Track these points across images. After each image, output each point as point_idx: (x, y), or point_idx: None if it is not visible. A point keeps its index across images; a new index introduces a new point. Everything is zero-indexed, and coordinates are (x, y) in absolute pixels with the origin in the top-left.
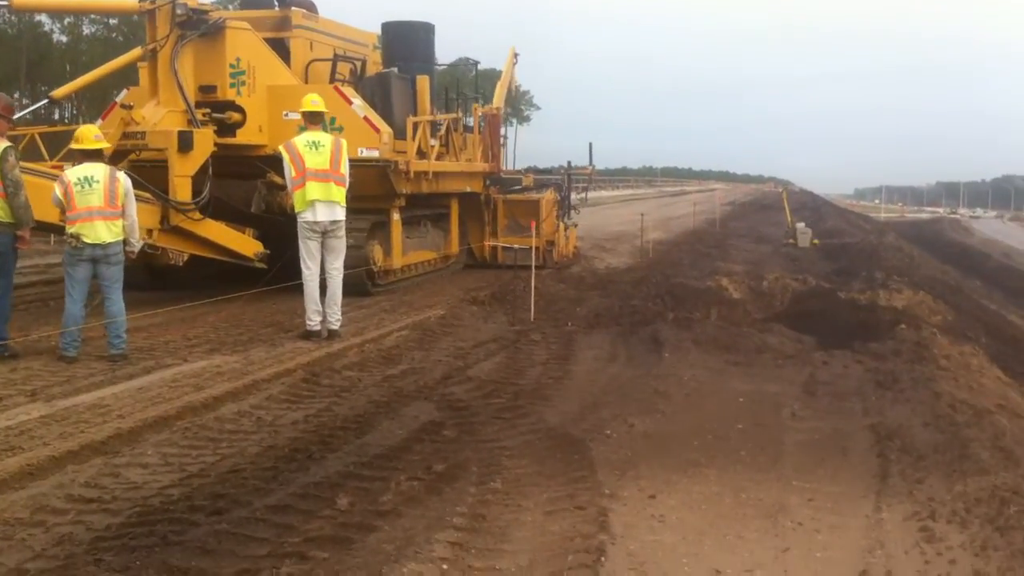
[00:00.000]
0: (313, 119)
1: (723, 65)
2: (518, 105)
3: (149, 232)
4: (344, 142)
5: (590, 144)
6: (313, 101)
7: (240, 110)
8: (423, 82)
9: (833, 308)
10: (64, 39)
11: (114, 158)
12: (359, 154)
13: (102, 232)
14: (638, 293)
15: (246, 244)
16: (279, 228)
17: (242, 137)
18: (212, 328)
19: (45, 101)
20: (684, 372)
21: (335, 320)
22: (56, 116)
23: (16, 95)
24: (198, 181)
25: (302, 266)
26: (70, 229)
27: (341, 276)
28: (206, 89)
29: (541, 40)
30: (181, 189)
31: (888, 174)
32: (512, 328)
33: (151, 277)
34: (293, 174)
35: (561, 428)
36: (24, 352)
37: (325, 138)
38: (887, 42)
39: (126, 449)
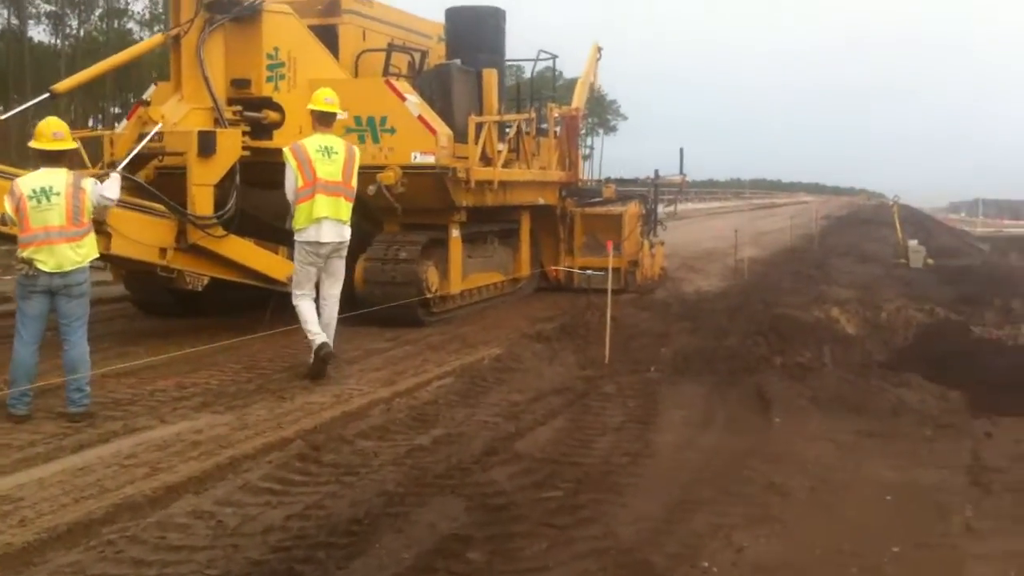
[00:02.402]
0: (324, 120)
1: (810, 76)
2: (604, 115)
3: (163, 251)
4: (357, 151)
5: (681, 150)
6: (326, 99)
7: (278, 108)
8: (490, 76)
9: (973, 350)
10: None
11: (134, 164)
12: (412, 159)
13: (63, 258)
14: (734, 327)
15: (277, 265)
16: None
17: (280, 140)
18: (218, 372)
19: (46, 95)
20: (804, 448)
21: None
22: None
23: (103, 104)
24: (223, 191)
25: (295, 290)
26: (22, 253)
27: (337, 304)
28: (239, 83)
29: (623, 42)
30: (201, 200)
31: (983, 185)
32: (582, 373)
33: (176, 302)
34: (300, 183)
35: (637, 550)
36: None
37: (338, 144)
38: (972, 51)
39: None
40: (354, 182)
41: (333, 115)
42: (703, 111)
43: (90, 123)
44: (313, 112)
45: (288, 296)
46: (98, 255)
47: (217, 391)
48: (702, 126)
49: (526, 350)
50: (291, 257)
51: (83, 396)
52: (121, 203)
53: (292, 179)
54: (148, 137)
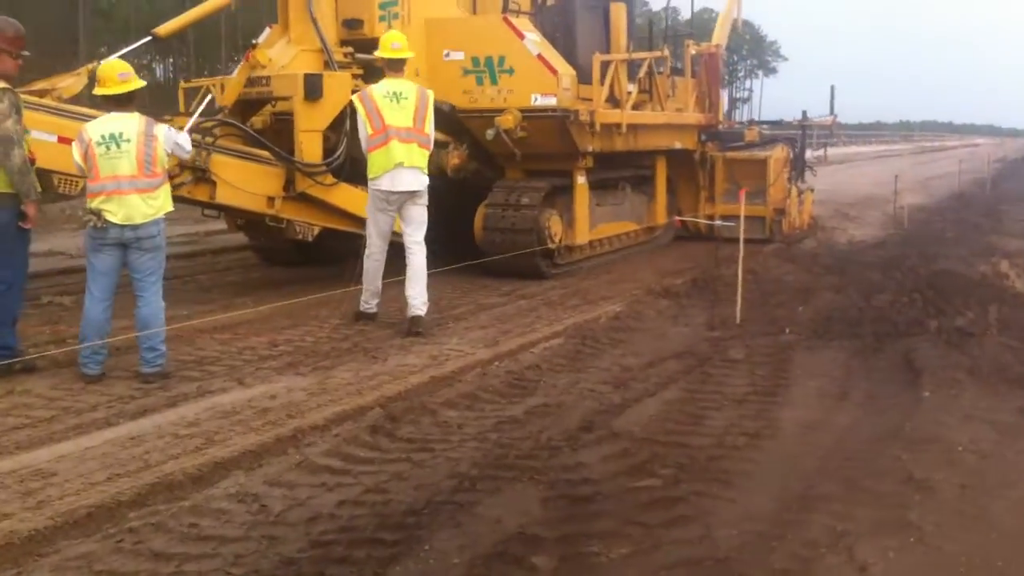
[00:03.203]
0: (393, 66)
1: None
2: (763, 55)
3: (270, 200)
4: (431, 94)
5: (832, 88)
6: (393, 44)
7: None
8: (618, 11)
9: None
10: None
11: (245, 110)
12: (532, 102)
13: (136, 209)
14: (887, 283)
15: None
16: (437, 195)
17: None
18: (316, 328)
19: (148, 38)
20: (956, 431)
21: (419, 304)
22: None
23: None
24: (335, 137)
25: (368, 242)
26: (90, 204)
27: (423, 252)
28: (351, 24)
29: None
30: (309, 147)
31: None
32: (709, 335)
33: (297, 250)
34: (369, 132)
35: (737, 562)
36: (55, 364)
37: (408, 88)
38: None
39: (9, 571)
40: (428, 128)
41: (402, 61)
42: (872, 54)
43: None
44: (382, 60)
45: (399, 247)
46: (172, 208)
47: (309, 349)
48: (871, 69)
49: (650, 307)
50: None
51: (157, 356)
52: (226, 150)
53: (362, 128)
54: (242, 70)
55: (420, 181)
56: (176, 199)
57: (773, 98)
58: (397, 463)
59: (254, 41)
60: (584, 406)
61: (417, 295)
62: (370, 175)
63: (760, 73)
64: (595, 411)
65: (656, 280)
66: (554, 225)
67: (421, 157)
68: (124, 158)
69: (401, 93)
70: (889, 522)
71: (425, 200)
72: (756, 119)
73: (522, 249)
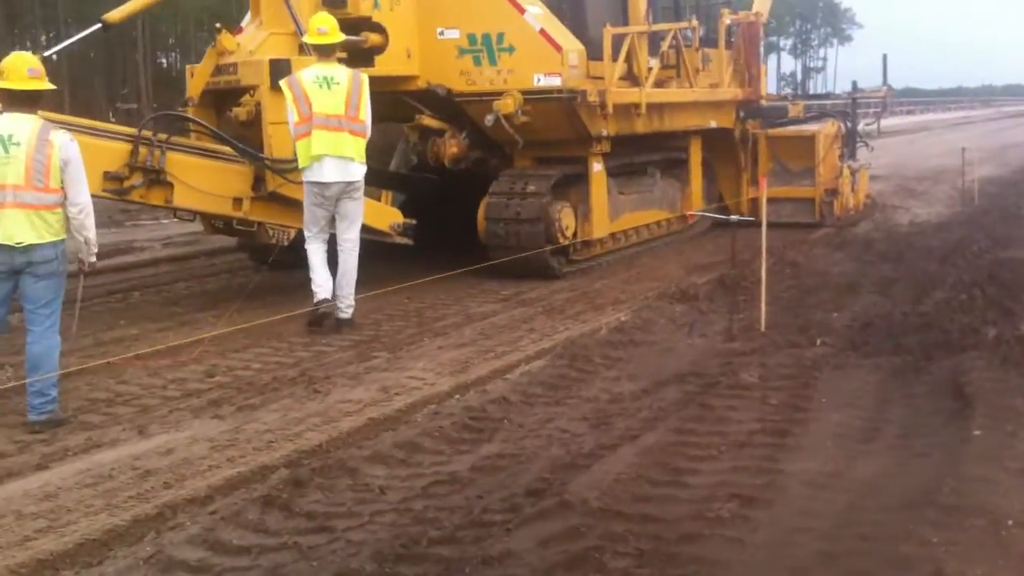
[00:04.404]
0: (322, 52)
1: None
2: (838, 23)
3: (237, 202)
4: (365, 78)
5: (884, 56)
6: (319, 29)
7: (380, 29)
8: None
9: None
10: None
11: (218, 101)
12: (535, 83)
13: (18, 227)
14: (944, 276)
15: (378, 214)
16: (438, 190)
17: (383, 67)
18: (270, 352)
19: (98, 26)
20: (1007, 495)
21: (346, 307)
22: None
23: None
24: None
25: (305, 232)
26: None
27: (357, 250)
28: (332, 3)
29: None
30: (279, 141)
31: None
32: (725, 347)
33: (292, 251)
34: (296, 119)
35: None
36: None
37: (341, 73)
38: None
39: None
40: (363, 115)
41: (331, 46)
42: (951, 20)
43: None
44: (308, 46)
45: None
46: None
47: (247, 381)
48: (951, 34)
49: (661, 315)
50: (400, 204)
51: (46, 401)
52: (183, 148)
53: (290, 115)
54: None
55: (352, 172)
56: (132, 203)
57: (849, 67)
58: (279, 553)
59: (217, 25)
60: (545, 457)
61: (345, 296)
62: (300, 165)
63: (835, 42)
64: (556, 465)
65: (682, 278)
66: (565, 218)
67: (354, 146)
68: (10, 165)
69: (332, 78)
70: None
71: (360, 193)
72: (798, 92)
73: (528, 242)
